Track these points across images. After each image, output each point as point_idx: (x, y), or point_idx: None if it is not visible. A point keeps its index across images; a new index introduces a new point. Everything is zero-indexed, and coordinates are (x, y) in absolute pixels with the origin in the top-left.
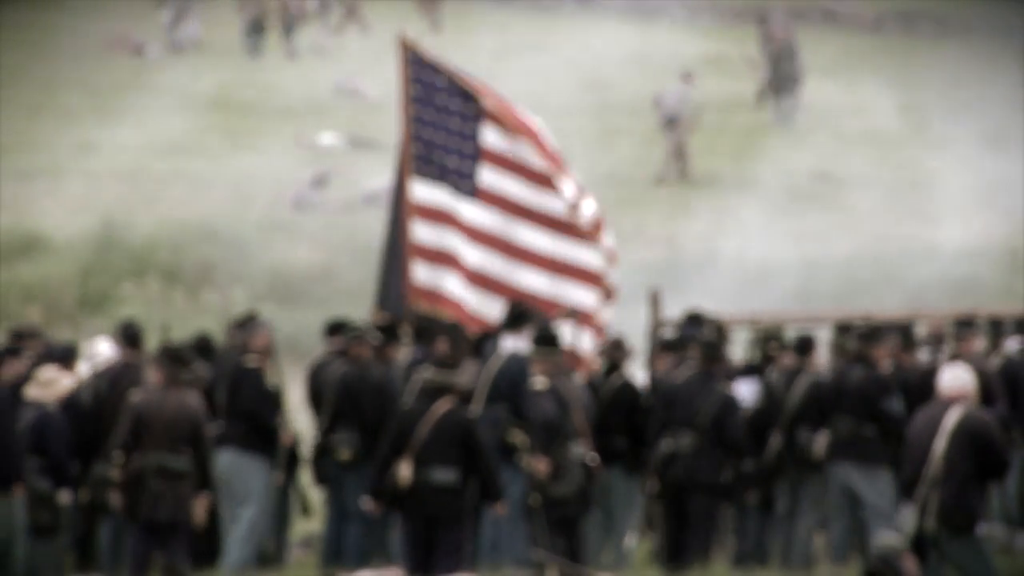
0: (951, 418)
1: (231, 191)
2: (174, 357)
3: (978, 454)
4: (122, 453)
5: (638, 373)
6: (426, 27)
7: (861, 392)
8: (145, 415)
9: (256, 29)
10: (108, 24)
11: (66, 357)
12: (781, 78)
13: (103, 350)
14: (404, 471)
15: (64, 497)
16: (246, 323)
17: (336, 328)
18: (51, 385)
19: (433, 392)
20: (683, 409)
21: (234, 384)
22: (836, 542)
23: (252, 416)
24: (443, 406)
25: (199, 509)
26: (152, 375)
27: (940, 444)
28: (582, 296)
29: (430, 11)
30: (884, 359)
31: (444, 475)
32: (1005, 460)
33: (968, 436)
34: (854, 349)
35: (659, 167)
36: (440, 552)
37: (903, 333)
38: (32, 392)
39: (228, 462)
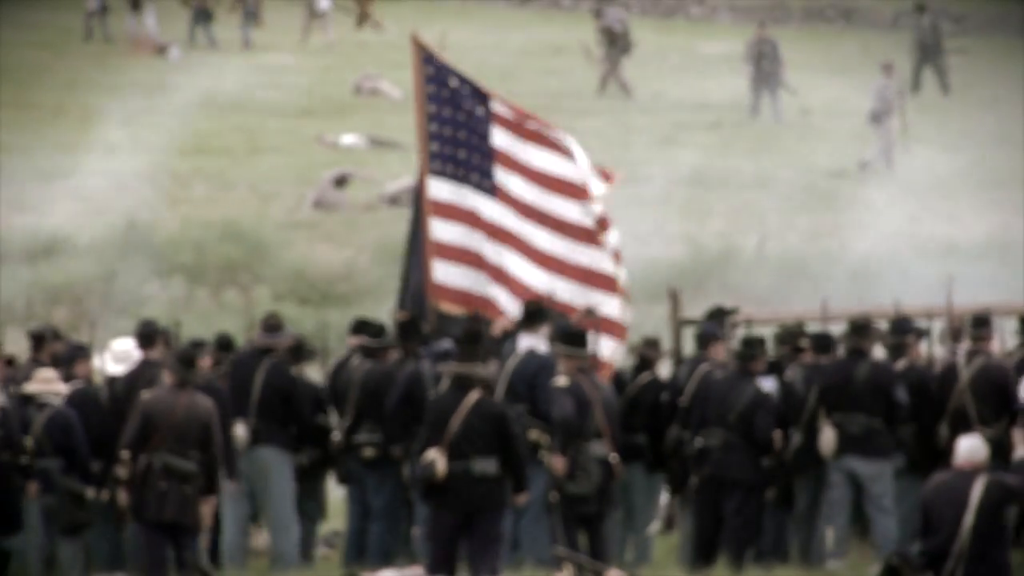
0: (976, 492)
1: (253, 191)
2: (187, 359)
3: (1010, 511)
4: (128, 452)
5: (662, 371)
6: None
7: (870, 385)
8: (154, 415)
9: (202, 18)
10: (130, 25)
11: (74, 358)
12: (765, 76)
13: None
14: (440, 463)
15: (92, 495)
16: (273, 326)
17: (360, 327)
18: (51, 384)
19: (464, 383)
20: (717, 406)
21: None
22: (839, 536)
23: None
24: (474, 397)
25: (206, 512)
26: (165, 376)
27: (968, 519)
28: (603, 302)
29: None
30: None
31: (484, 465)
32: None
33: (995, 506)
34: (850, 344)
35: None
36: (479, 544)
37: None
38: (33, 388)
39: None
